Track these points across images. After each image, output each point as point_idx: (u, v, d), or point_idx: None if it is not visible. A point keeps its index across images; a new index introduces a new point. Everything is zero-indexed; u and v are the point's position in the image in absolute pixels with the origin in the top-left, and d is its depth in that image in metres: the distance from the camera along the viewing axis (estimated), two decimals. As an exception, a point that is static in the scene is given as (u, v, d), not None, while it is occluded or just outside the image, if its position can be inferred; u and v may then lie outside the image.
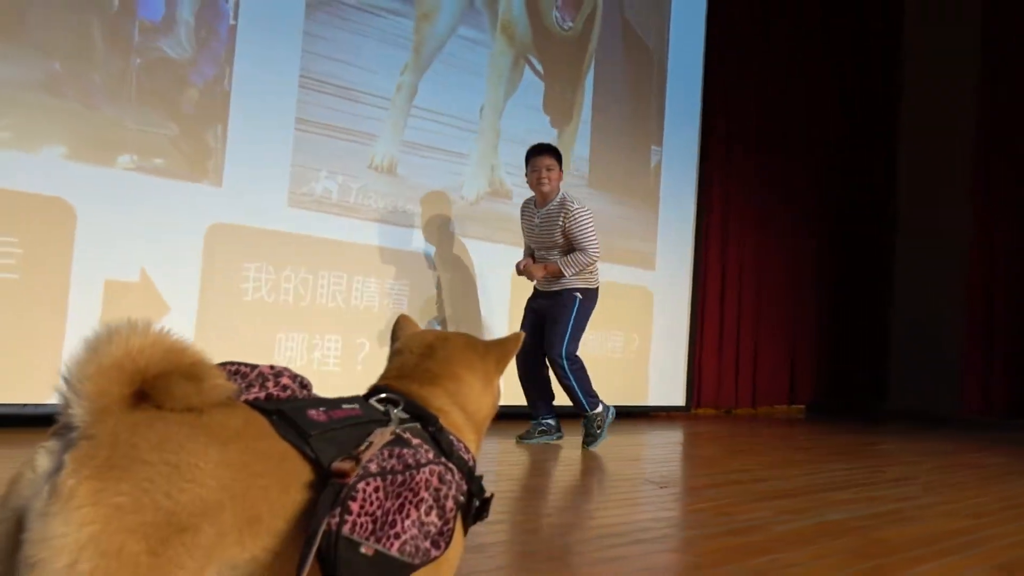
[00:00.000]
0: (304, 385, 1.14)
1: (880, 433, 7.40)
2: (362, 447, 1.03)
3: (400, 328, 1.35)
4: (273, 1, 4.93)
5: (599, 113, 6.82)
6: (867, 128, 9.99)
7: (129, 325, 0.93)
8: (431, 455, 1.10)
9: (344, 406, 1.11)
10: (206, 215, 4.63)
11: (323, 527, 0.95)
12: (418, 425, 1.15)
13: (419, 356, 1.30)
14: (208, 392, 0.97)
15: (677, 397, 7.56)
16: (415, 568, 1.04)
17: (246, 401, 1.05)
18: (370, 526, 0.99)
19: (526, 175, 4.84)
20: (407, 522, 1.02)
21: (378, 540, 1.00)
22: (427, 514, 1.05)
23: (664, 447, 5.44)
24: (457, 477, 1.12)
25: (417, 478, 1.05)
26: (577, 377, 4.84)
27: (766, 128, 8.61)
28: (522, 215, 5.01)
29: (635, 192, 7.13)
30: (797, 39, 8.98)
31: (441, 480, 1.08)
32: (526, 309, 5.00)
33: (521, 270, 4.89)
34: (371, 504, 1.00)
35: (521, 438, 4.86)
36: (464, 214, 5.87)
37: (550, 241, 4.79)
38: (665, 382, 7.41)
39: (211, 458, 0.91)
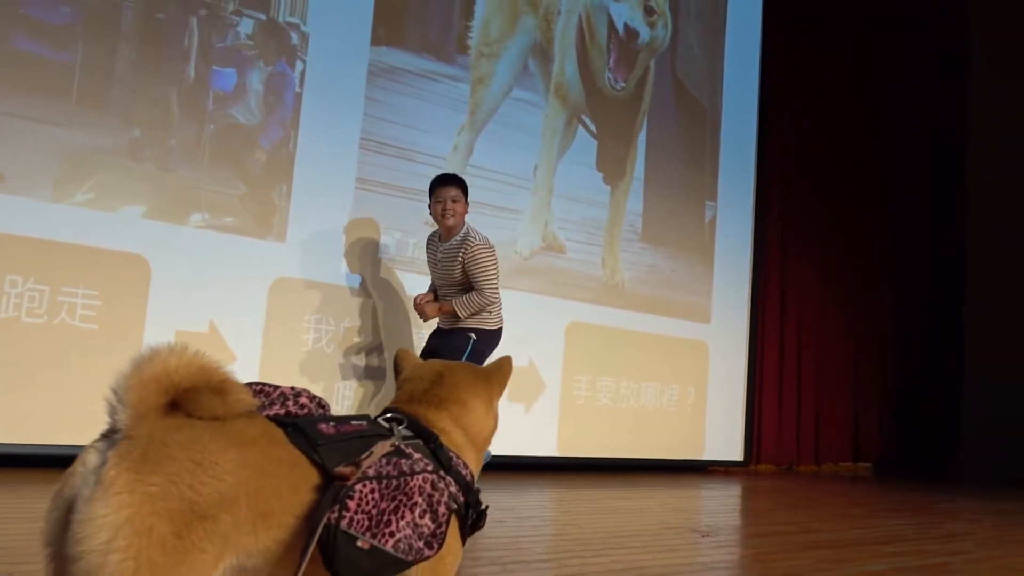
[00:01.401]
0: (321, 405, 1.30)
1: (947, 492, 7.20)
2: (364, 455, 1.18)
3: (402, 359, 1.50)
4: (337, 70, 5.25)
5: (652, 170, 6.97)
6: (933, 183, 9.91)
7: (168, 347, 1.11)
8: (428, 466, 1.24)
9: (353, 422, 1.26)
10: (271, 269, 4.90)
11: (324, 520, 1.10)
12: (420, 442, 1.30)
13: (429, 383, 1.45)
14: (232, 405, 1.13)
15: (735, 452, 7.51)
16: (409, 564, 1.17)
17: (267, 416, 1.22)
18: (366, 522, 1.13)
19: (429, 207, 4.53)
20: (402, 522, 1.16)
21: (374, 536, 1.14)
22: (421, 517, 1.19)
23: (715, 499, 5.44)
24: (452, 488, 1.26)
25: (411, 484, 1.19)
26: None
27: (825, 181, 8.64)
28: (426, 248, 4.70)
29: (689, 246, 7.22)
30: (855, 90, 9.04)
31: (434, 487, 1.21)
32: (424, 349, 4.67)
33: (416, 306, 4.61)
34: (367, 503, 1.14)
35: None
36: (518, 268, 6.05)
37: (451, 277, 4.48)
38: (722, 436, 7.38)
39: (230, 458, 1.07)
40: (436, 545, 1.20)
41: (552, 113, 6.36)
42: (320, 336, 5.05)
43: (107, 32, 4.44)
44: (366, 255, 5.30)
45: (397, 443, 1.24)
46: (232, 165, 4.80)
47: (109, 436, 1.06)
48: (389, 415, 1.35)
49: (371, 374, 5.25)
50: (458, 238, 4.46)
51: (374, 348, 5.28)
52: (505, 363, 1.51)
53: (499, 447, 5.75)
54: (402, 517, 1.17)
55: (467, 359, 4.35)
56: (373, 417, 1.34)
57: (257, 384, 1.24)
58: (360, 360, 5.21)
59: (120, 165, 4.44)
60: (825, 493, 6.36)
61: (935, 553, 3.74)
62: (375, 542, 1.14)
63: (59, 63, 4.29)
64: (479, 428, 1.44)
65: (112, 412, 1.06)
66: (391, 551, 1.15)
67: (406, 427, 1.31)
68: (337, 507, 1.11)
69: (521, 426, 5.95)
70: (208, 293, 4.64)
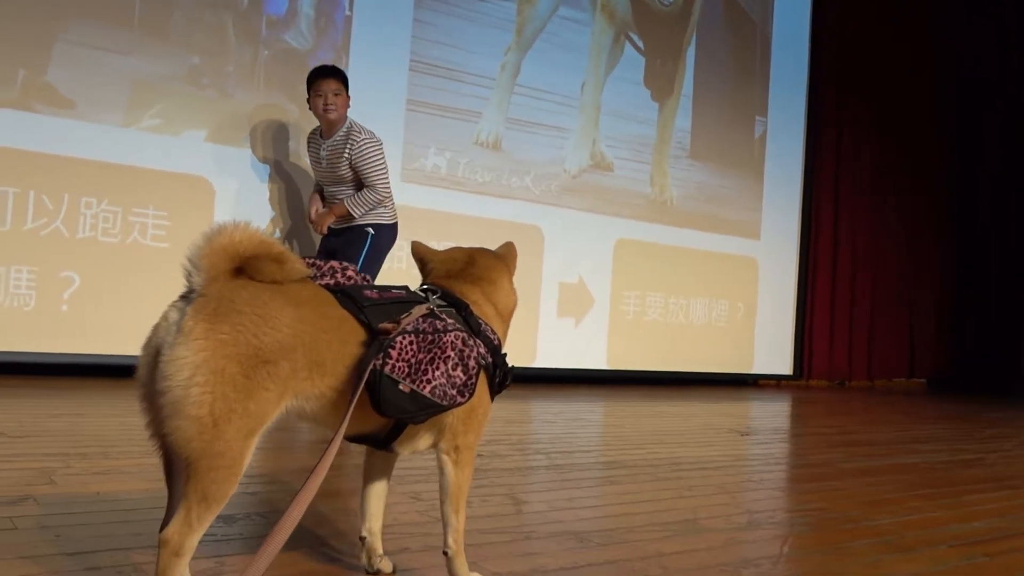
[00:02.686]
0: (365, 279, 1.47)
1: (1001, 405, 7.22)
2: (403, 315, 1.36)
3: (422, 249, 1.68)
4: (385, -8, 5.35)
5: (701, 86, 6.95)
6: (997, 90, 9.61)
7: (233, 223, 1.29)
8: (459, 327, 1.41)
9: (393, 290, 1.44)
10: (327, 190, 5.10)
11: (370, 366, 1.28)
12: (453, 310, 1.47)
13: (463, 264, 1.63)
14: (288, 271, 1.32)
15: (784, 367, 7.61)
16: (444, 409, 1.35)
17: (319, 284, 1.40)
18: (406, 369, 1.31)
19: (308, 100, 4.34)
20: (436, 372, 1.34)
21: (413, 381, 1.32)
22: (453, 369, 1.36)
23: (761, 408, 5.58)
24: (481, 348, 1.43)
25: (444, 339, 1.36)
26: None
27: (882, 92, 8.47)
28: (308, 147, 4.53)
29: (739, 162, 7.23)
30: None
31: (464, 344, 1.39)
32: (318, 250, 4.54)
33: (311, 221, 4.49)
34: (407, 353, 1.32)
35: None
36: (566, 186, 6.16)
37: (337, 175, 4.31)
38: (772, 352, 7.49)
39: (287, 314, 1.26)
40: (467, 394, 1.38)
41: (599, 30, 6.37)
42: (375, 253, 5.27)
43: (163, -39, 4.60)
44: (419, 176, 5.47)
45: (432, 308, 1.41)
46: (286, 89, 4.97)
47: (186, 297, 1.25)
48: (425, 287, 1.53)
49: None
50: (342, 133, 4.28)
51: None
52: (513, 247, 1.69)
53: (549, 360, 5.98)
54: (437, 368, 1.34)
55: (366, 254, 4.32)
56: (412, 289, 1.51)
57: (310, 259, 1.42)
58: (414, 277, 5.42)
59: (182, 91, 4.64)
60: (873, 404, 6.45)
61: (971, 451, 3.85)
62: (414, 387, 1.32)
63: (120, -7, 4.47)
64: (505, 302, 1.62)
65: (188, 276, 1.25)
66: (428, 396, 1.33)
67: (439, 297, 1.48)
68: (381, 355, 1.30)
69: (570, 340, 6.14)
70: (269, 212, 4.87)
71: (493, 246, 1.72)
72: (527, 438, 3.45)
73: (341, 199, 4.32)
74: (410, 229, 5.38)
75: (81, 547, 1.59)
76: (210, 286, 1.24)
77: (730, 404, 5.62)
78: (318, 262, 1.44)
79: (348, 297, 1.36)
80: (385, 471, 1.56)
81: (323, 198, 4.46)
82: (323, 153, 4.35)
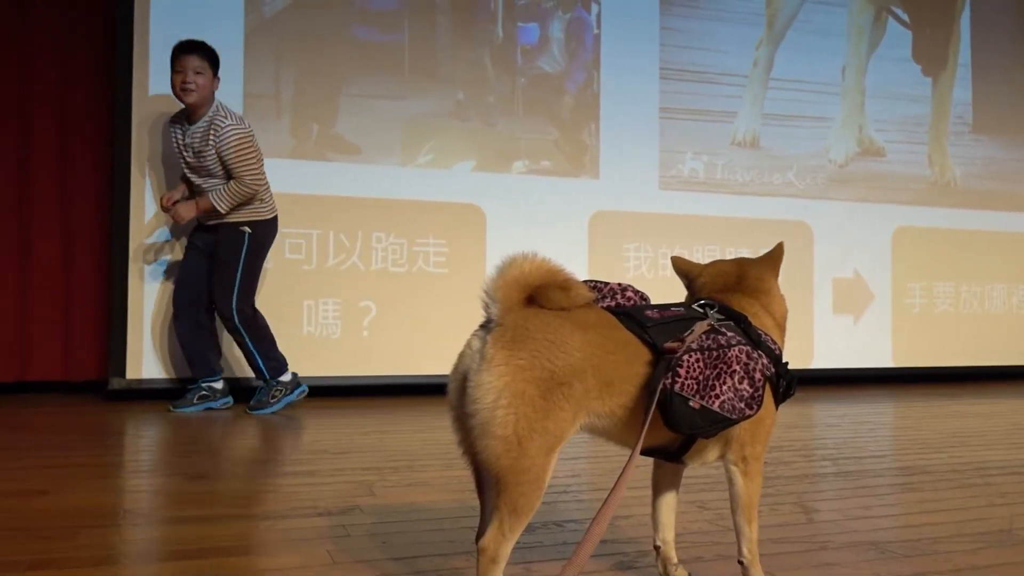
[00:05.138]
0: (644, 298, 1.53)
1: None
2: (686, 333, 1.40)
3: (685, 265, 1.70)
4: (630, 5, 5.42)
5: (980, 52, 6.34)
6: None
7: (522, 255, 1.40)
8: (741, 340, 1.43)
9: (672, 308, 1.48)
10: (588, 204, 5.25)
11: (660, 385, 1.33)
12: (731, 323, 1.49)
13: (736, 277, 1.64)
14: (574, 298, 1.40)
15: (1101, 355, 6.71)
16: (733, 422, 1.38)
17: (601, 307, 1.48)
18: (695, 387, 1.35)
19: (171, 79, 3.92)
20: (724, 387, 1.36)
21: (702, 398, 1.35)
22: (740, 382, 1.38)
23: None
24: (764, 360, 1.44)
25: (729, 354, 1.39)
26: (253, 336, 4.02)
27: None
28: (170, 131, 4.06)
29: (1033, 131, 6.50)
30: None
31: (748, 357, 1.40)
32: (187, 246, 4.12)
33: (165, 208, 3.99)
34: (694, 371, 1.36)
35: (175, 406, 4.01)
36: (834, 177, 5.87)
37: (202, 166, 3.90)
38: (1087, 338, 6.63)
39: (576, 338, 1.34)
40: (755, 406, 1.39)
41: (857, 10, 6.02)
42: (640, 263, 5.34)
43: (427, 9, 4.98)
44: (677, 182, 5.47)
45: (713, 323, 1.44)
46: (544, 112, 5.18)
47: (485, 326, 1.38)
48: (702, 302, 1.56)
49: (691, 295, 5.44)
50: (206, 119, 3.88)
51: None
52: (781, 248, 1.66)
53: (827, 360, 5.71)
54: (723, 383, 1.37)
55: (246, 255, 3.99)
56: (689, 304, 1.55)
57: (591, 281, 1.51)
58: (680, 283, 5.42)
59: (450, 126, 5.00)
60: None
61: None
62: (704, 403, 1.35)
63: (391, 44, 4.91)
64: (780, 310, 1.62)
65: (486, 307, 1.38)
66: (718, 411, 1.36)
67: (716, 311, 1.50)
68: (670, 374, 1.35)
69: (849, 338, 5.83)
70: (535, 232, 5.08)
71: (760, 245, 1.71)
72: (811, 443, 3.34)
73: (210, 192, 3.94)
74: (672, 235, 5.41)
75: (405, 552, 1.78)
76: (506, 316, 1.35)
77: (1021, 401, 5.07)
78: (599, 284, 1.52)
79: (631, 319, 1.43)
80: (674, 483, 1.60)
81: (191, 190, 4.08)
82: (187, 140, 3.94)
